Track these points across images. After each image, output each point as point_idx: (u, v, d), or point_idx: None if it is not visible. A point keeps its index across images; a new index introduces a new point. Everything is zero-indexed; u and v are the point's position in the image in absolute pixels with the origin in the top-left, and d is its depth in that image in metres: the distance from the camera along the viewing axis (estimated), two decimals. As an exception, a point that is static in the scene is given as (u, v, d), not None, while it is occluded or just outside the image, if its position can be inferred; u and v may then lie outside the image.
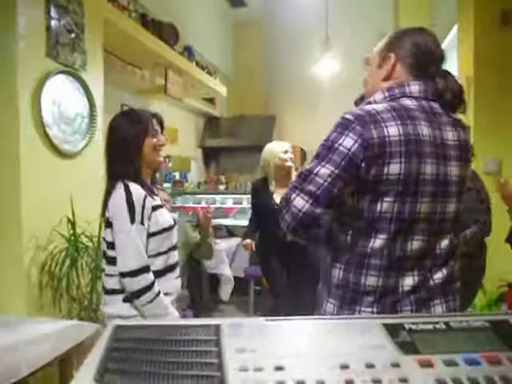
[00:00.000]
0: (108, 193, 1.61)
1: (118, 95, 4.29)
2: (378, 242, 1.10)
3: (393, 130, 1.06)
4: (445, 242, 1.16)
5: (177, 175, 6.32)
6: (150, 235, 1.60)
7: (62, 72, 2.55)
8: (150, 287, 1.54)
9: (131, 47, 3.77)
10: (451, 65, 4.76)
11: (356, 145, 1.06)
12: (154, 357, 0.64)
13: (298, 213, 1.09)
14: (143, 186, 1.62)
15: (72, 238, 2.45)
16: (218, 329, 0.69)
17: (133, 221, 1.54)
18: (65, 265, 2.41)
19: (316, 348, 0.64)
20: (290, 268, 2.99)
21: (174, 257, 1.70)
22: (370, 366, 0.60)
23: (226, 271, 4.26)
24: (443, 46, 4.72)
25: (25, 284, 2.31)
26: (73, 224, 2.46)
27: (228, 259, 4.40)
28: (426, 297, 1.13)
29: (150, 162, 1.68)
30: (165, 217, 1.66)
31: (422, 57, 1.16)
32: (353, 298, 1.12)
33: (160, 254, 1.63)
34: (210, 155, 7.20)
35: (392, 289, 1.11)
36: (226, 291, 4.26)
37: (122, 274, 1.54)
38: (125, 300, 1.58)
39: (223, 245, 4.46)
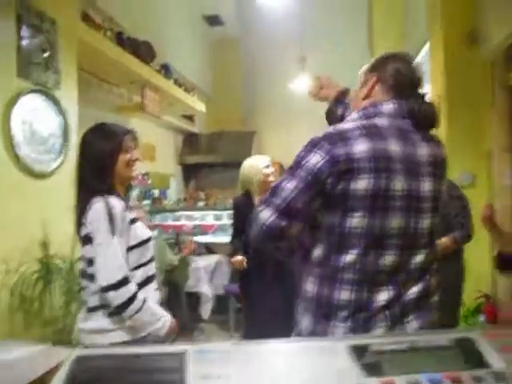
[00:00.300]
0: (82, 209, 1.58)
1: (95, 113, 4.25)
2: (349, 256, 1.11)
3: (361, 147, 1.09)
4: (419, 257, 1.17)
5: (156, 192, 6.27)
6: (131, 248, 1.59)
7: (34, 91, 2.52)
8: (134, 297, 1.52)
9: (107, 65, 3.76)
10: (424, 82, 4.89)
11: (322, 161, 1.09)
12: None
13: (263, 225, 1.12)
14: (120, 199, 1.61)
15: (44, 259, 2.40)
16: (183, 356, 0.68)
17: (113, 233, 1.53)
18: (37, 287, 2.34)
19: (281, 373, 0.63)
20: (274, 284, 2.96)
21: (152, 268, 1.70)
22: (334, 389, 0.60)
23: (205, 289, 4.21)
24: (414, 63, 4.81)
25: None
26: (45, 245, 2.40)
27: (207, 277, 4.35)
28: (400, 312, 1.13)
29: (122, 178, 1.67)
30: (142, 229, 1.66)
31: (401, 81, 1.22)
32: (327, 312, 1.13)
33: (141, 265, 1.62)
34: (189, 172, 7.17)
35: (365, 304, 1.11)
36: (205, 309, 4.21)
37: (104, 288, 1.51)
38: (109, 315, 1.56)
39: (202, 262, 4.41)
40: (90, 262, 1.56)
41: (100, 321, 1.57)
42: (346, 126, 1.15)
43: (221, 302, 4.32)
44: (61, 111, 2.71)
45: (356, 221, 1.10)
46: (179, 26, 6.18)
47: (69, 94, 2.83)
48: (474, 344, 0.70)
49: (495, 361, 0.65)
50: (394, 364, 0.65)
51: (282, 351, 0.69)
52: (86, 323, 1.60)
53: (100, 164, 1.60)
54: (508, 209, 3.62)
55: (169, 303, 3.22)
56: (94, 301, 1.58)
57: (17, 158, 2.38)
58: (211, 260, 4.60)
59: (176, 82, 5.28)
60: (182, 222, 5.54)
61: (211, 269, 4.52)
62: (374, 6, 6.45)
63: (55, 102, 2.67)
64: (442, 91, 3.88)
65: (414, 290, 1.16)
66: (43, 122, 2.59)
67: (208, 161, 6.85)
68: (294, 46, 6.18)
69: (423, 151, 1.17)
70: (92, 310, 1.59)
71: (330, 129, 1.15)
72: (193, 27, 6.84)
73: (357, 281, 1.11)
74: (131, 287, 1.52)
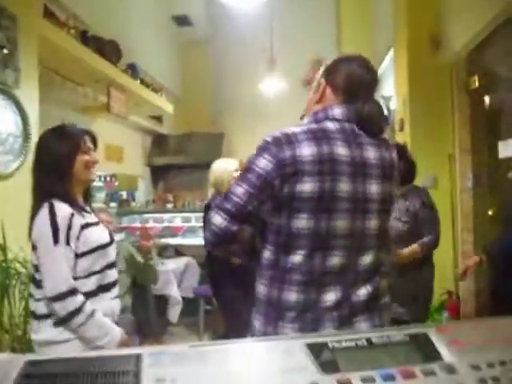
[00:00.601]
0: (34, 213, 1.53)
1: (59, 113, 4.14)
2: (297, 257, 1.13)
3: (306, 151, 1.12)
4: (368, 258, 1.19)
5: (124, 194, 6.16)
6: (80, 255, 1.53)
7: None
8: (79, 310, 1.47)
9: (71, 64, 3.67)
10: (389, 86, 5.01)
11: (270, 165, 1.12)
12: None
13: (215, 229, 1.15)
14: (73, 204, 1.55)
15: (3, 263, 2.31)
16: (139, 359, 0.66)
17: (56, 242, 1.47)
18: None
19: (237, 373, 0.63)
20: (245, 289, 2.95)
21: (111, 276, 1.63)
22: (289, 388, 0.60)
23: (174, 292, 4.16)
24: (381, 67, 4.98)
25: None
26: (3, 249, 2.32)
27: (176, 279, 4.30)
28: (349, 313, 1.15)
29: (81, 180, 1.62)
30: (97, 235, 1.59)
31: (351, 84, 1.23)
32: (276, 314, 1.15)
33: (93, 273, 1.55)
34: (157, 173, 7.09)
35: (313, 304, 1.13)
36: (174, 313, 4.15)
37: (50, 299, 1.47)
38: (55, 324, 1.50)
39: (171, 265, 4.36)
40: (37, 268, 1.52)
41: (49, 332, 1.51)
42: (293, 129, 1.18)
43: (190, 305, 4.27)
44: (20, 110, 2.62)
45: (302, 222, 1.12)
46: (147, 26, 6.10)
47: (29, 92, 2.74)
48: (427, 339, 0.71)
49: (447, 354, 0.66)
50: (350, 361, 0.66)
51: (238, 351, 0.69)
52: (37, 334, 1.54)
53: (57, 166, 1.56)
54: (469, 210, 3.75)
55: (135, 307, 3.16)
56: (41, 308, 1.53)
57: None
58: (180, 262, 4.56)
59: (143, 82, 5.21)
60: (151, 224, 5.46)
61: (180, 271, 4.47)
62: (342, 11, 6.57)
63: (14, 101, 2.58)
64: (406, 95, 3.98)
65: (363, 292, 1.18)
66: (1, 122, 2.50)
67: (177, 162, 6.78)
68: (263, 46, 6.21)
69: (370, 154, 1.19)
70: (40, 317, 1.53)
71: (278, 133, 1.17)
72: (161, 27, 6.77)
73: (304, 282, 1.14)
74: (77, 299, 1.48)
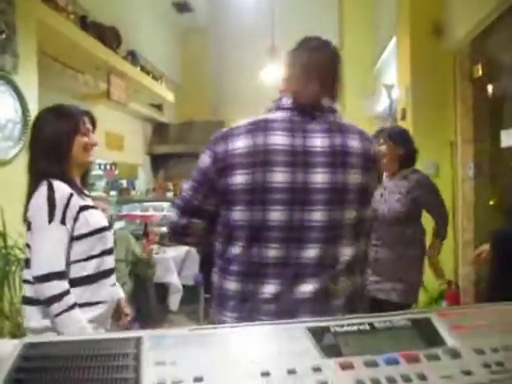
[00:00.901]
0: (30, 194, 1.48)
1: (58, 100, 4.10)
2: (236, 249, 1.15)
3: (239, 144, 1.13)
4: (312, 252, 1.12)
5: (124, 183, 6.15)
6: (79, 237, 1.47)
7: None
8: (60, 296, 1.38)
9: (70, 50, 3.63)
10: (391, 74, 4.97)
11: (209, 160, 1.17)
12: (66, 375, 0.59)
13: (170, 224, 1.26)
14: (71, 185, 1.49)
15: (3, 250, 2.30)
16: (139, 341, 0.66)
17: (51, 220, 1.41)
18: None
19: (239, 356, 0.62)
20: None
21: (110, 262, 1.57)
22: (291, 371, 0.59)
23: (174, 280, 4.17)
24: (383, 56, 4.94)
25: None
26: (3, 236, 2.31)
27: (176, 267, 4.31)
28: (290, 309, 1.11)
29: (79, 163, 1.56)
30: (96, 218, 1.54)
31: (299, 71, 1.21)
32: (221, 302, 1.18)
33: (92, 257, 1.49)
34: (158, 162, 7.07)
35: (251, 295, 1.13)
36: (174, 300, 4.16)
37: (35, 278, 1.40)
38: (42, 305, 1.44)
39: (171, 253, 4.36)
40: (29, 247, 1.47)
41: (37, 320, 1.45)
42: (239, 123, 1.19)
43: (191, 293, 4.29)
44: (20, 96, 2.59)
45: (238, 214, 1.13)
46: (147, 12, 6.03)
47: (28, 78, 2.72)
48: (429, 324, 0.70)
49: (450, 339, 0.66)
50: (352, 345, 0.65)
51: (239, 335, 0.68)
52: (28, 320, 1.49)
53: (54, 146, 1.49)
54: (471, 199, 3.74)
55: (136, 294, 3.17)
56: (29, 291, 1.47)
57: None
58: (181, 250, 4.55)
59: (143, 69, 5.17)
60: (151, 212, 5.45)
61: (181, 259, 4.47)
62: (344, -2, 6.50)
63: (13, 87, 2.56)
64: (408, 84, 3.94)
65: (308, 288, 1.12)
66: (1, 108, 2.48)
67: (177, 151, 6.76)
68: (264, 34, 6.14)
69: (317, 142, 1.14)
70: (28, 301, 1.48)
71: (222, 129, 1.21)
72: (161, 13, 6.69)
73: (243, 272, 1.14)
74: (62, 284, 1.39)
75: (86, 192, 1.60)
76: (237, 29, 7.10)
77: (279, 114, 1.17)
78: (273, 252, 1.12)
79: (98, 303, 1.49)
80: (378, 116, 5.85)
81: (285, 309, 1.11)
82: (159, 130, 6.97)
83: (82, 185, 1.62)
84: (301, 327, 0.66)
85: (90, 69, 4.22)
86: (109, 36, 4.28)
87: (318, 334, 0.65)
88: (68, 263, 1.45)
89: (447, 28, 3.74)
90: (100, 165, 5.50)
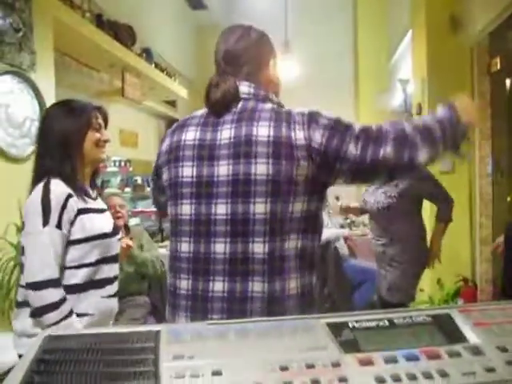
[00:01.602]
0: (30, 192, 1.41)
1: (73, 97, 4.16)
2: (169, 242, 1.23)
3: (164, 144, 1.21)
4: (220, 247, 1.07)
5: (138, 179, 6.19)
6: (74, 242, 1.37)
7: (8, 73, 2.43)
8: (56, 306, 1.30)
9: (86, 48, 3.66)
10: (406, 69, 4.91)
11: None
12: (86, 368, 0.60)
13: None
14: (75, 186, 1.41)
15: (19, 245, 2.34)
16: (157, 335, 0.66)
17: (46, 223, 1.32)
18: (14, 274, 2.29)
19: (256, 350, 0.62)
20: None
21: (108, 271, 1.45)
22: (310, 366, 0.59)
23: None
24: (399, 50, 4.86)
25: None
26: (20, 231, 2.34)
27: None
28: (203, 307, 1.08)
29: (91, 160, 1.49)
30: (96, 223, 1.43)
31: (219, 63, 1.22)
32: (173, 302, 1.15)
33: (84, 265, 1.38)
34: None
35: (172, 290, 1.15)
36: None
37: (26, 285, 1.32)
38: (30, 314, 1.35)
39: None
40: (23, 250, 1.38)
41: (24, 322, 1.36)
42: (186, 117, 1.24)
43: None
44: (37, 94, 2.63)
45: (169, 209, 1.19)
46: (161, 9, 6.04)
47: (45, 75, 2.75)
48: (450, 320, 0.69)
49: (471, 335, 0.65)
50: (371, 341, 0.65)
51: (257, 330, 0.68)
52: (13, 323, 1.41)
53: (64, 142, 1.41)
54: (488, 195, 3.68)
55: (152, 290, 3.19)
56: (21, 295, 1.40)
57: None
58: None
59: (157, 66, 5.18)
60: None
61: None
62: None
63: (31, 85, 2.59)
64: (424, 78, 3.89)
65: (218, 287, 1.07)
66: (18, 105, 2.51)
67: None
68: (277, 30, 6.12)
69: (223, 134, 1.10)
70: (19, 305, 1.40)
71: None
72: (175, 11, 6.71)
73: (169, 267, 1.19)
74: (56, 293, 1.30)
75: (92, 193, 1.52)
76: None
77: (202, 110, 1.20)
78: (184, 246, 1.12)
79: (82, 315, 1.38)
80: (394, 111, 5.79)
81: (198, 307, 1.09)
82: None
83: (92, 185, 1.54)
84: (320, 322, 0.66)
85: (105, 66, 4.25)
86: (123, 34, 4.30)
87: (336, 330, 0.65)
88: (65, 268, 1.37)
89: (465, 20, 3.67)
90: (115, 162, 5.55)
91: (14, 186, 2.44)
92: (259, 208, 1.05)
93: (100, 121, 1.51)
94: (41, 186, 1.36)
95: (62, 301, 1.30)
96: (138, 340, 0.64)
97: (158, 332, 0.67)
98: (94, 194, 1.52)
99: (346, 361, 0.60)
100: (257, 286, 1.05)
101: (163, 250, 3.18)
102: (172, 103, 6.58)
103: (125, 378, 0.58)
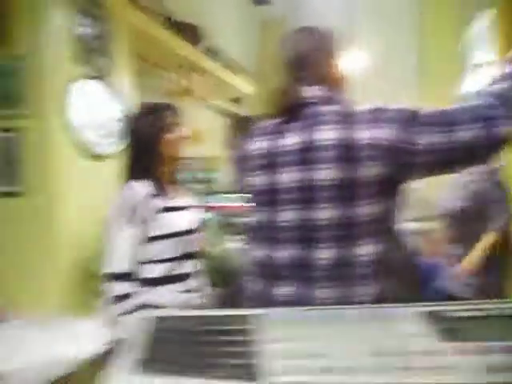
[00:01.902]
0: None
1: (147, 98, 4.36)
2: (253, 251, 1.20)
3: (254, 146, 1.21)
4: (285, 253, 1.10)
5: (208, 176, 6.38)
6: (153, 238, 1.48)
7: (92, 77, 2.62)
8: (121, 299, 1.40)
9: (157, 50, 3.83)
10: (481, 53, 4.61)
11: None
12: (192, 348, 0.65)
13: None
14: (156, 185, 1.51)
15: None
16: (257, 319, 0.70)
17: (127, 221, 1.44)
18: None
19: (353, 336, 0.64)
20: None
21: (187, 267, 1.54)
22: (405, 353, 0.60)
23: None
24: (471, 33, 4.56)
25: (64, 283, 2.38)
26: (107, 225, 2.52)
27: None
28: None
29: (169, 159, 1.57)
30: (175, 220, 1.52)
31: (286, 68, 1.27)
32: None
33: (163, 260, 1.49)
34: (237, 154, 7.21)
35: (267, 297, 1.13)
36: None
37: (103, 275, 1.45)
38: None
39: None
40: (106, 243, 1.52)
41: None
42: (258, 125, 1.25)
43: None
44: (117, 96, 2.80)
45: (257, 215, 1.19)
46: (225, 6, 6.16)
47: (124, 79, 2.93)
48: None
49: None
50: (469, 331, 0.65)
51: (355, 316, 0.70)
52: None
53: (143, 144, 1.52)
54: None
55: (223, 289, 3.29)
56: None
57: (77, 142, 2.50)
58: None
59: (222, 64, 5.30)
60: (237, 203, 5.60)
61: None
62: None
63: (112, 88, 2.77)
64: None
65: (283, 291, 1.10)
66: (101, 107, 2.70)
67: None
68: (343, 24, 6.01)
69: (290, 141, 1.12)
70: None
71: None
72: (239, 7, 6.80)
73: (258, 275, 1.17)
74: (124, 287, 1.41)
75: (172, 191, 1.60)
76: (313, 20, 7.01)
77: (271, 118, 1.24)
78: (282, 252, 1.12)
79: (158, 308, 1.46)
80: (465, 98, 5.47)
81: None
82: (239, 124, 7.11)
83: (171, 183, 1.62)
84: (416, 311, 0.66)
85: (173, 66, 4.41)
86: (190, 33, 4.44)
87: (433, 318, 0.65)
88: (138, 264, 1.47)
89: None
90: (184, 159, 5.74)
91: (99, 182, 2.64)
92: (327, 214, 1.04)
93: (176, 120, 1.59)
94: (124, 185, 1.49)
95: (127, 296, 1.41)
96: (237, 322, 0.69)
97: (259, 315, 0.71)
98: (174, 191, 1.61)
99: (442, 349, 0.61)
100: (322, 289, 1.05)
101: (233, 245, 3.27)
102: (237, 100, 6.70)
103: (229, 357, 0.62)
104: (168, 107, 1.60)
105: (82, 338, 1.93)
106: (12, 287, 2.33)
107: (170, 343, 0.66)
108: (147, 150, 1.53)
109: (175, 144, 1.57)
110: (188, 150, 1.67)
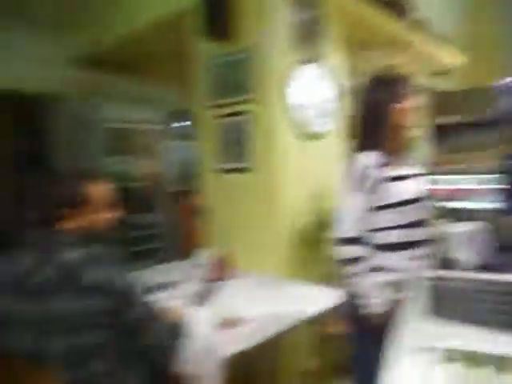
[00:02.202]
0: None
1: (355, 80, 4.41)
2: None
3: None
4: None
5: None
6: (382, 207, 1.55)
7: (307, 61, 2.79)
8: (353, 261, 1.51)
9: (364, 30, 3.81)
10: None
11: None
12: (473, 303, 0.67)
13: None
14: (384, 154, 1.57)
15: (318, 211, 2.69)
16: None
17: (355, 190, 1.54)
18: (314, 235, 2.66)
19: None
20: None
21: (411, 235, 1.59)
22: None
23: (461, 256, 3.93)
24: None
25: (282, 247, 2.63)
26: (320, 198, 2.71)
27: (462, 245, 4.04)
28: None
29: (398, 128, 1.61)
30: (403, 189, 1.57)
31: None
32: None
33: (393, 227, 1.56)
34: (441, 133, 6.71)
35: None
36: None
37: (334, 240, 1.58)
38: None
39: (459, 229, 4.12)
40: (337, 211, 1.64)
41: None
42: None
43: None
44: (333, 79, 2.94)
45: None
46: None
47: (338, 62, 3.06)
48: None
49: None
50: None
51: None
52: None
53: (373, 115, 1.60)
54: None
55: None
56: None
57: (296, 123, 2.71)
58: (467, 227, 4.25)
59: (428, 36, 4.96)
60: (438, 186, 5.27)
61: (468, 237, 4.18)
62: None
63: (328, 71, 2.91)
64: None
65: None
66: (316, 89, 2.86)
67: (461, 121, 6.24)
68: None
69: None
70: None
71: None
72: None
73: None
74: (354, 250, 1.51)
75: (400, 161, 1.64)
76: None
77: None
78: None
79: (387, 271, 1.54)
80: None
81: None
82: (442, 99, 6.58)
83: (399, 152, 1.65)
84: None
85: (379, 45, 4.33)
86: (397, 8, 4.27)
87: None
88: (369, 231, 1.56)
89: None
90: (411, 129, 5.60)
91: (316, 159, 2.84)
92: None
93: (405, 90, 1.63)
94: (354, 156, 1.58)
95: (358, 259, 1.51)
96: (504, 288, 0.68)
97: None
98: (401, 160, 1.65)
99: None
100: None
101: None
102: (443, 73, 6.20)
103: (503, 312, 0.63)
104: (398, 78, 1.66)
105: (303, 299, 2.11)
106: (237, 248, 2.65)
107: (451, 299, 0.70)
108: (378, 120, 1.60)
109: (404, 114, 1.60)
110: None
